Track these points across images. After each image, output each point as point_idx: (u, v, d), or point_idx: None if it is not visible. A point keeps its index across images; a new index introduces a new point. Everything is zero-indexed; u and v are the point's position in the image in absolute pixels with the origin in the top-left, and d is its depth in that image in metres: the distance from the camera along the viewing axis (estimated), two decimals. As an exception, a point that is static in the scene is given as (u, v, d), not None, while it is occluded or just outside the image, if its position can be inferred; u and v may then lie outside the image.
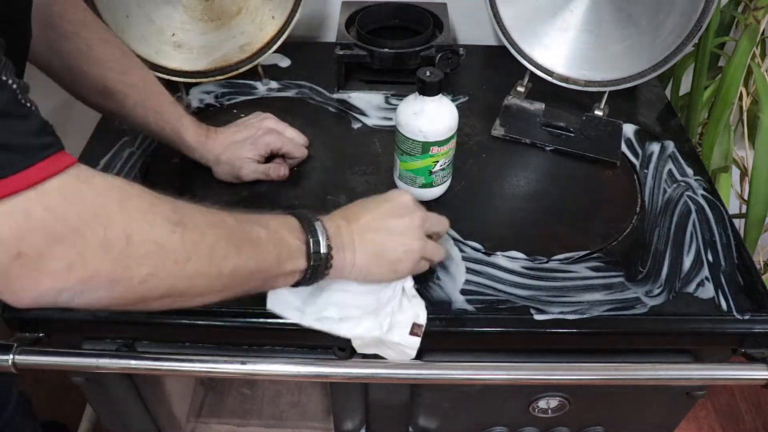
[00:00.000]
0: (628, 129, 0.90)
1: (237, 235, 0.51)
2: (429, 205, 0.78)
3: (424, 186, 0.76)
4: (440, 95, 0.71)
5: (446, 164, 0.75)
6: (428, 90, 0.69)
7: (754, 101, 1.04)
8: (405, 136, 0.72)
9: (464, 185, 0.81)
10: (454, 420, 0.82)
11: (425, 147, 0.72)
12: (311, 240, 0.55)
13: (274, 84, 0.97)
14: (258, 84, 0.97)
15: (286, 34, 0.92)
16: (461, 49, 0.94)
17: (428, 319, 0.65)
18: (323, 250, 0.56)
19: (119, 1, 0.83)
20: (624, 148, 0.87)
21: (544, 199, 0.80)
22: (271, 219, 0.56)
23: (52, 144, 0.43)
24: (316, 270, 0.56)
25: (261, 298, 0.67)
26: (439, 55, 0.75)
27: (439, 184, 0.77)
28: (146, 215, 0.45)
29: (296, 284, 0.57)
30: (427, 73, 0.69)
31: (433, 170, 0.74)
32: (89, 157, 0.84)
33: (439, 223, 0.66)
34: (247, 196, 0.79)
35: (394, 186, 0.80)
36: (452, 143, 0.74)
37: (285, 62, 1.01)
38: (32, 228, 0.40)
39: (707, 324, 0.67)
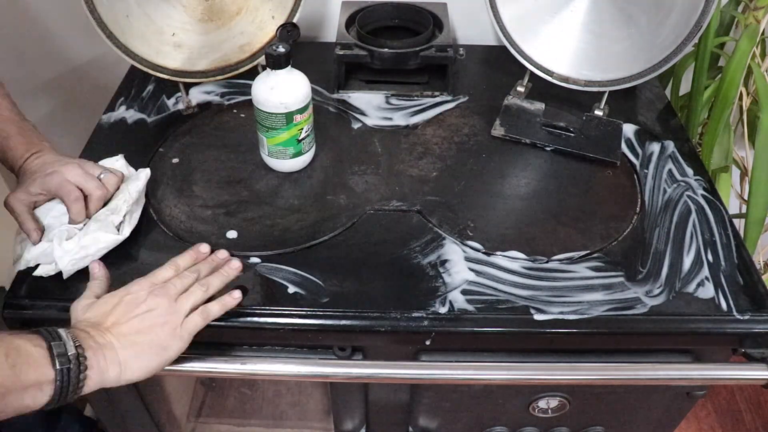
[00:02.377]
0: (628, 129, 0.90)
1: None
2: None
3: (295, 156, 0.80)
4: (289, 67, 0.75)
5: (310, 130, 0.79)
6: (279, 63, 0.73)
7: (754, 101, 1.04)
8: (267, 113, 0.76)
9: (464, 185, 0.81)
10: (454, 420, 0.82)
11: (289, 117, 0.75)
12: (53, 343, 0.51)
13: (274, 84, 0.97)
14: (258, 84, 0.97)
15: (286, 34, 0.92)
16: (462, 49, 0.94)
17: (428, 319, 0.66)
18: (71, 351, 0.51)
19: (119, 1, 0.83)
20: (624, 148, 0.87)
21: (544, 199, 0.80)
22: (2, 334, 0.51)
23: None
24: (68, 377, 0.51)
25: (260, 299, 0.67)
26: (279, 30, 0.79)
27: (307, 151, 0.81)
28: None
29: (52, 401, 0.51)
30: (275, 48, 0.73)
31: (300, 138, 0.78)
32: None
33: (189, 277, 0.62)
34: (247, 196, 0.79)
35: (390, 185, 0.80)
36: (311, 109, 0.78)
37: (285, 62, 1.01)
38: None
39: (707, 324, 0.67)
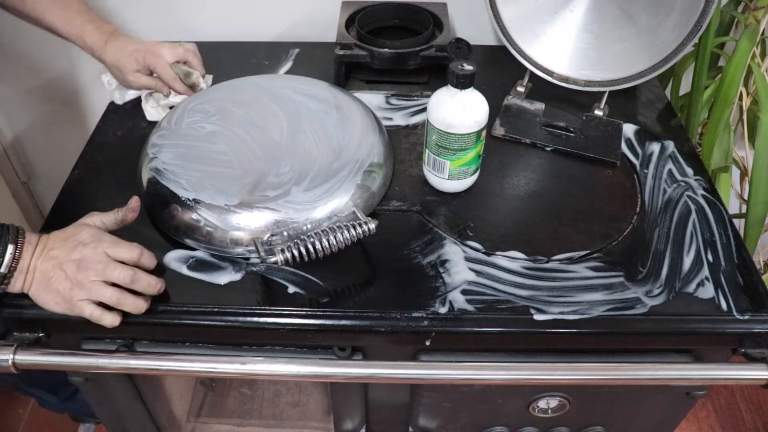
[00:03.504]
0: (628, 129, 0.90)
1: None
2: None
3: (475, 172, 0.79)
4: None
5: None
6: (470, 82, 0.71)
7: (754, 101, 1.04)
8: (459, 135, 0.72)
9: (464, 185, 0.81)
10: (454, 420, 0.82)
11: (479, 134, 0.74)
12: None
13: (274, 84, 0.97)
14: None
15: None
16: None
17: (428, 319, 0.66)
18: (3, 270, 0.61)
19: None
20: (624, 148, 0.87)
21: (544, 199, 0.80)
22: None
23: None
24: None
25: (260, 299, 0.67)
26: (450, 47, 0.77)
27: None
28: None
29: None
30: (466, 66, 0.70)
31: (480, 152, 0.77)
32: (89, 156, 0.85)
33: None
34: (247, 196, 0.79)
35: (390, 185, 0.80)
36: None
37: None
38: None
39: (707, 324, 0.67)
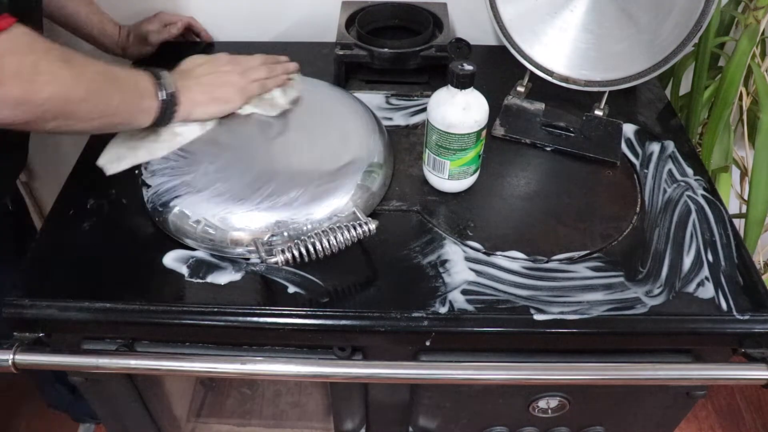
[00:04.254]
0: (628, 129, 0.90)
1: (106, 74, 0.66)
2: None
3: (475, 171, 0.78)
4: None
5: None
6: (468, 82, 0.71)
7: (754, 101, 1.04)
8: (459, 135, 0.72)
9: (464, 185, 0.81)
10: (454, 420, 0.82)
11: (479, 134, 0.73)
12: (160, 81, 0.71)
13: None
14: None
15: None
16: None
17: (428, 319, 0.66)
18: (170, 89, 0.71)
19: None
20: (624, 148, 0.87)
21: (544, 199, 0.80)
22: (123, 69, 0.70)
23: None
24: (168, 106, 0.71)
25: (260, 299, 0.67)
26: (450, 47, 0.76)
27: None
28: (47, 54, 0.60)
29: (154, 123, 0.72)
30: (466, 66, 0.70)
31: (480, 152, 0.76)
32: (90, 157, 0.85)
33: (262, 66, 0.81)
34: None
35: (390, 185, 0.80)
36: None
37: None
38: None
39: (707, 324, 0.67)
